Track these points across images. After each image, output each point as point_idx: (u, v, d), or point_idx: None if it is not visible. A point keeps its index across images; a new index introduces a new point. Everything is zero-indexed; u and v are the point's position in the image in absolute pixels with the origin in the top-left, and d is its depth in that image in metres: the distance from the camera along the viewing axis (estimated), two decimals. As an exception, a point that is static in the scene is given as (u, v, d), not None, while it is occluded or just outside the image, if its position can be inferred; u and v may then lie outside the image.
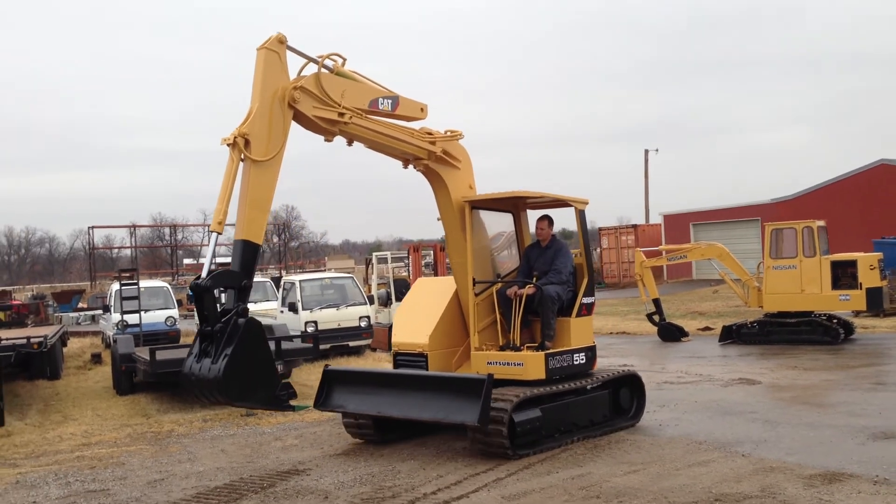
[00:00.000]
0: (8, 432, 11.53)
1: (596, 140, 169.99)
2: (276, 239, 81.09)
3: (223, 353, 6.72)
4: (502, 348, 8.98)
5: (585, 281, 9.37)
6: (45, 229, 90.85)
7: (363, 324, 17.74)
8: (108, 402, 13.90)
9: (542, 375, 8.63)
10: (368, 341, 18.09)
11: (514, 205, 9.83)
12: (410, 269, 17.81)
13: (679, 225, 41.70)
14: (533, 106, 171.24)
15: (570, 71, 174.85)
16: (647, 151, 51.97)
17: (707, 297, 30.02)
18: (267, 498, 7.28)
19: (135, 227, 72.73)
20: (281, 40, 7.66)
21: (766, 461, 7.69)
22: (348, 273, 23.34)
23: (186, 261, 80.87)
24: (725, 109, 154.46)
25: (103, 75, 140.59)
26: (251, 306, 20.28)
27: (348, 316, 17.76)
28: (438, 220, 9.34)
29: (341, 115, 8.00)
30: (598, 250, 46.10)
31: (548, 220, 9.71)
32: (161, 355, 12.83)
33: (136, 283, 16.33)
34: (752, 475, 7.24)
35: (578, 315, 9.21)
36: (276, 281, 24.22)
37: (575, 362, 9.08)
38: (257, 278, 27.80)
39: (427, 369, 9.03)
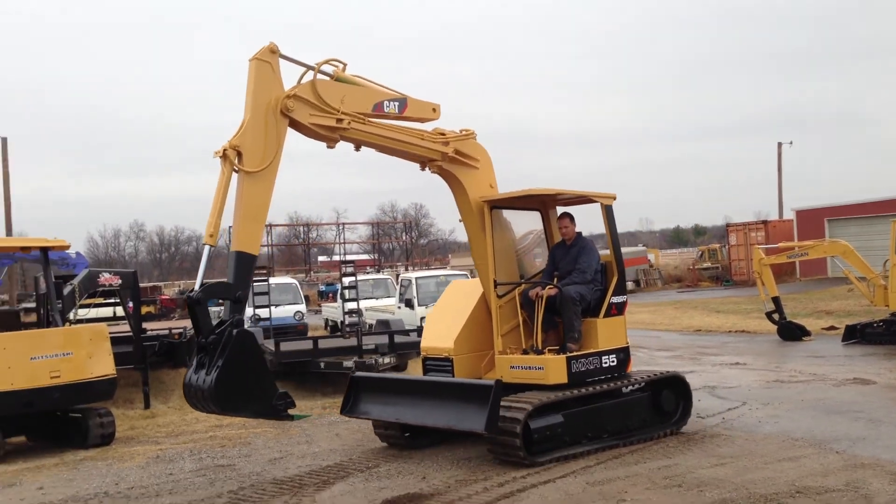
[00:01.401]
0: (152, 414, 12.84)
1: (729, 131, 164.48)
2: (404, 236, 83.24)
3: (215, 365, 6.73)
4: (525, 352, 8.75)
5: (615, 280, 9.04)
6: (192, 228, 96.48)
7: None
8: (240, 390, 15.07)
9: (563, 379, 8.34)
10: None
11: (542, 203, 9.56)
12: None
13: (813, 221, 40.05)
14: (653, 99, 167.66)
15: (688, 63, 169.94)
16: (780, 144, 50.11)
17: (840, 296, 28.82)
18: (371, 476, 7.95)
19: (271, 226, 76.18)
20: (273, 50, 7.57)
21: (859, 458, 7.70)
22: (464, 271, 23.97)
23: (321, 258, 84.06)
24: (861, 99, 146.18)
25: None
26: (372, 302, 21.26)
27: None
28: (460, 221, 9.17)
29: (339, 120, 7.89)
30: (727, 247, 44.97)
31: (568, 217, 9.36)
32: (285, 346, 13.87)
33: (267, 280, 17.49)
34: (841, 471, 7.30)
35: (608, 315, 8.89)
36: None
37: (604, 365, 8.76)
38: (379, 276, 28.91)
39: (452, 374, 8.87)
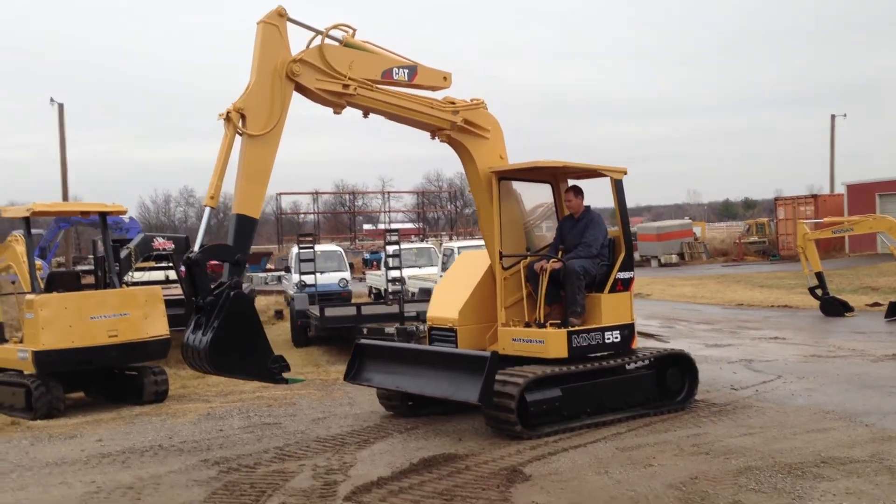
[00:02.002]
0: (203, 374, 13.34)
1: (784, 102, 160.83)
2: (449, 206, 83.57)
3: (211, 326, 6.81)
4: (527, 325, 8.70)
5: (622, 255, 8.95)
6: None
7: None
8: (286, 353, 15.31)
9: (563, 354, 8.30)
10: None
11: (552, 175, 9.44)
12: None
13: (864, 195, 39.31)
14: (705, 68, 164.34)
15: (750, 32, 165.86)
16: (833, 117, 49.19)
17: (887, 272, 28.37)
18: (409, 437, 8.30)
19: (317, 193, 77.05)
20: (280, 13, 7.51)
21: (887, 431, 7.82)
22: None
23: (366, 226, 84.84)
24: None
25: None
26: (415, 270, 21.55)
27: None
28: (469, 192, 8.99)
29: (346, 86, 7.81)
30: (774, 221, 44.39)
31: (573, 190, 9.24)
32: (330, 312, 14.31)
33: (312, 248, 17.93)
34: (868, 443, 7.44)
35: (613, 291, 8.80)
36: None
37: (606, 340, 8.68)
38: (423, 245, 29.23)
39: (456, 344, 8.86)
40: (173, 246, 13.51)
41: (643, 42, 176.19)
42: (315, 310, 15.01)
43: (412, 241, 40.08)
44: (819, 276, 18.47)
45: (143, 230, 24.07)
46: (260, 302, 23.88)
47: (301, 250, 18.06)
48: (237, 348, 6.96)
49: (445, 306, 9.21)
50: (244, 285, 7.34)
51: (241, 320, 6.97)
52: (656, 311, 21.39)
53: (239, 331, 6.96)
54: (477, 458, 7.29)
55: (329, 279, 21.18)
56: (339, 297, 20.95)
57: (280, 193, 69.30)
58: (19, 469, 7.72)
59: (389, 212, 79.33)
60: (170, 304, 12.40)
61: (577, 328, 8.49)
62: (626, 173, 9.14)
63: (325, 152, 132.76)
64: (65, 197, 36.37)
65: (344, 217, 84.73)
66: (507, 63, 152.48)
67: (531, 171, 9.06)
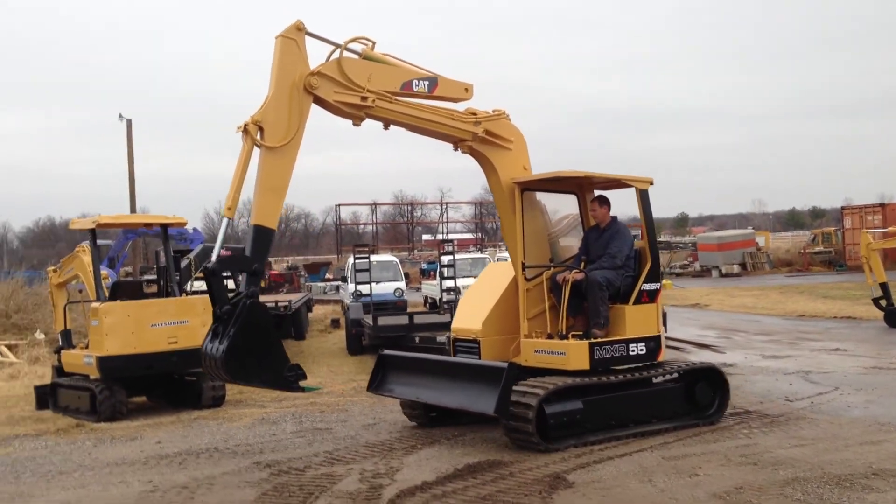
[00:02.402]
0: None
1: (850, 109, 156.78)
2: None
3: (227, 334, 6.93)
4: (550, 336, 8.60)
5: (648, 266, 8.78)
6: (301, 206, 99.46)
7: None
8: (341, 361, 15.90)
9: (585, 366, 8.19)
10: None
11: (578, 186, 9.38)
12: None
13: (936, 204, 38.07)
14: (767, 75, 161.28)
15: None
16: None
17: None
18: (455, 443, 8.41)
19: (376, 204, 77.90)
20: (299, 27, 7.60)
21: (944, 445, 7.64)
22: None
23: (425, 237, 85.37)
24: None
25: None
26: (470, 280, 21.59)
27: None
28: (342, 205, 9.11)
29: (364, 98, 7.85)
30: (841, 231, 43.28)
31: (598, 200, 9.16)
32: (383, 321, 14.53)
33: (368, 258, 18.18)
34: (922, 456, 7.29)
35: (638, 302, 8.66)
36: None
37: (631, 353, 8.53)
38: (478, 255, 29.33)
39: (479, 356, 8.80)
40: (231, 256, 13.86)
41: (703, 48, 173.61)
42: (369, 319, 15.24)
43: (469, 252, 40.23)
44: (884, 286, 18.00)
45: (206, 240, 24.75)
46: (318, 311, 24.34)
47: (357, 260, 18.33)
48: (253, 357, 7.06)
49: (469, 317, 9.16)
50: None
51: (256, 329, 7.07)
52: (714, 321, 21.09)
53: (254, 339, 7.06)
54: (521, 465, 7.36)
55: (384, 289, 21.40)
56: (395, 306, 21.15)
57: (339, 204, 70.28)
58: (81, 469, 8.06)
59: (447, 222, 79.76)
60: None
61: (599, 340, 8.38)
62: (651, 183, 9.02)
63: (384, 163, 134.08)
64: (133, 209, 37.46)
65: (403, 227, 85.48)
66: (555, 74, 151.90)
67: (555, 182, 9.00)
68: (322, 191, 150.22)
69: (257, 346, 7.09)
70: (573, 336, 8.50)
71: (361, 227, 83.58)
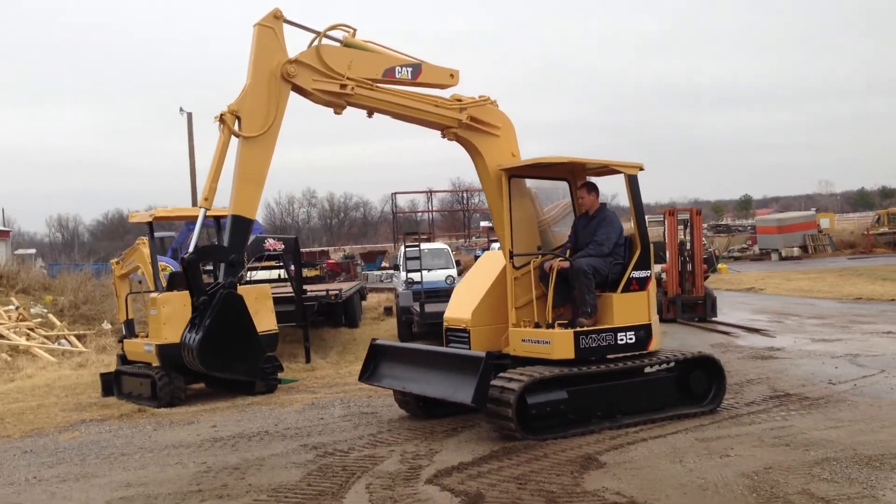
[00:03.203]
0: (312, 367, 14.20)
1: None
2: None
3: (203, 325, 6.99)
4: (537, 325, 8.50)
5: (637, 254, 8.58)
6: (360, 195, 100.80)
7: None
8: (392, 348, 16.24)
9: (570, 355, 8.06)
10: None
11: (570, 172, 9.20)
12: (665, 232, 18.26)
13: None
14: (832, 52, 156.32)
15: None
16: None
17: None
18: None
19: (432, 191, 78.25)
20: (277, 15, 7.55)
21: (983, 426, 7.62)
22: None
23: (483, 223, 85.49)
24: None
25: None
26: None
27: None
28: (398, 193, 9.08)
29: (343, 86, 7.77)
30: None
31: (587, 187, 8.99)
32: (430, 308, 14.85)
33: (418, 246, 18.52)
34: (959, 438, 7.28)
35: (627, 290, 8.48)
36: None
37: (619, 342, 8.36)
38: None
39: (469, 345, 8.75)
40: (283, 246, 14.36)
41: (766, 26, 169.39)
42: (417, 306, 15.57)
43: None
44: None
45: (265, 231, 25.46)
46: (372, 299, 24.76)
47: (408, 248, 18.69)
48: (228, 347, 7.11)
49: (460, 307, 9.09)
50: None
51: (231, 320, 7.09)
52: (767, 305, 20.89)
53: (230, 330, 7.08)
54: (555, 447, 7.58)
55: (436, 276, 21.68)
56: (446, 294, 21.44)
57: (395, 193, 70.83)
58: (142, 451, 8.55)
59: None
60: (280, 300, 13.22)
61: (585, 329, 8.25)
62: (641, 169, 8.84)
63: (441, 151, 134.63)
64: (194, 202, 38.52)
65: (459, 214, 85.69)
66: (609, 53, 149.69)
67: (545, 168, 8.89)
68: (380, 179, 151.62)
69: (233, 336, 7.13)
70: (559, 325, 8.39)
71: (419, 215, 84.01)
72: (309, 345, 14.85)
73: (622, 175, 8.79)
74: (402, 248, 22.62)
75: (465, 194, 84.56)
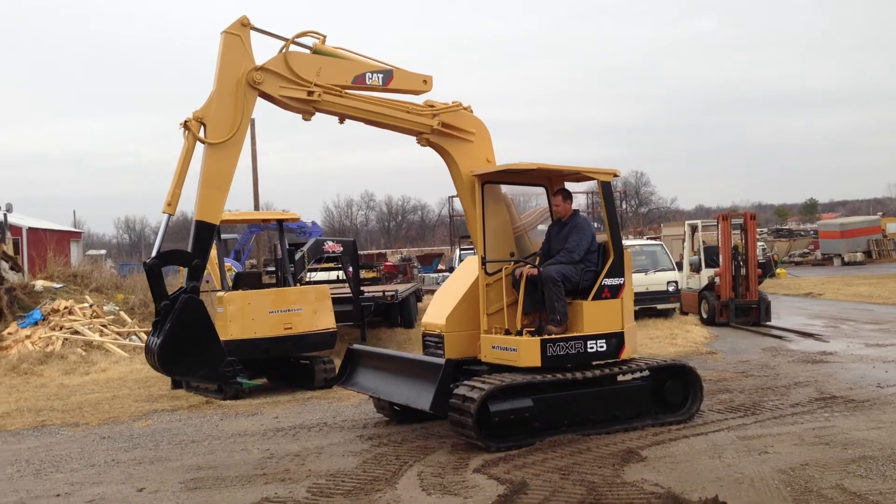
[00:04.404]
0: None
1: None
2: (624, 205, 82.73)
3: (163, 329, 7.10)
4: (507, 332, 8.42)
5: (610, 261, 8.45)
6: (418, 198, 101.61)
7: (670, 288, 18.83)
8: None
9: (536, 363, 7.98)
10: (675, 305, 19.12)
11: (547, 179, 9.09)
12: (720, 236, 18.31)
13: None
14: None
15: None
16: None
17: None
18: (542, 422, 8.99)
19: (487, 194, 78.43)
20: (244, 23, 7.57)
21: None
22: (658, 242, 24.20)
23: (540, 227, 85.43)
24: None
25: (460, 56, 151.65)
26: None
27: (656, 280, 18.95)
28: (456, 196, 8.67)
29: (311, 93, 7.81)
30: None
31: (561, 194, 8.84)
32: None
33: (473, 249, 18.93)
34: None
35: (598, 298, 8.35)
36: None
37: (589, 350, 8.25)
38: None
39: (444, 351, 8.65)
40: (341, 248, 14.92)
41: (828, 27, 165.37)
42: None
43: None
44: None
45: (324, 234, 26.13)
46: (427, 300, 25.20)
47: (462, 251, 19.13)
48: (189, 352, 7.20)
49: (436, 313, 8.97)
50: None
51: (191, 324, 7.17)
52: (824, 310, 20.76)
53: (190, 334, 7.16)
54: (599, 441, 7.90)
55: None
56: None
57: (452, 196, 71.16)
58: (210, 438, 9.12)
59: (560, 212, 79.48)
60: (339, 301, 13.76)
61: (552, 336, 8.15)
62: (616, 175, 8.84)
63: (500, 154, 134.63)
64: (256, 205, 39.50)
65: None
66: (668, 57, 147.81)
67: (520, 175, 8.83)
68: (438, 182, 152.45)
69: (193, 341, 7.21)
70: (527, 332, 8.28)
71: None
72: (365, 343, 15.35)
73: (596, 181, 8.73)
74: (458, 251, 23.05)
75: (521, 198, 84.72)
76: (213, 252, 12.89)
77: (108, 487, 7.26)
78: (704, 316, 18.49)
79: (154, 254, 7.23)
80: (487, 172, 8.56)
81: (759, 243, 36.26)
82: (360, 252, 44.38)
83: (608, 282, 8.45)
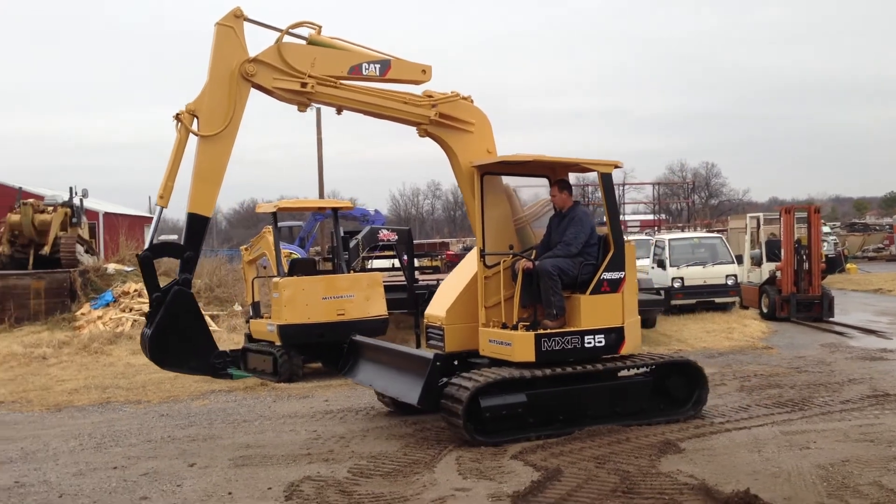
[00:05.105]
0: (421, 352, 14.89)
1: None
2: (695, 198, 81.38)
3: (154, 321, 7.23)
4: (504, 326, 8.28)
5: (611, 254, 8.25)
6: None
7: (729, 282, 18.56)
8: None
9: (530, 358, 7.84)
10: (734, 299, 18.85)
11: (551, 170, 8.86)
12: (782, 230, 17.96)
13: None
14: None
15: None
16: None
17: None
18: (585, 411, 9.05)
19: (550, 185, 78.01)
20: (237, 15, 7.53)
21: None
22: (717, 234, 23.82)
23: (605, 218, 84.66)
24: None
25: (524, 44, 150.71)
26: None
27: (715, 274, 18.71)
28: (458, 187, 8.71)
29: (304, 84, 7.75)
30: None
31: (559, 185, 8.65)
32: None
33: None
34: None
35: (597, 292, 8.16)
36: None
37: (586, 345, 8.07)
38: (641, 237, 29.31)
39: (444, 343, 8.56)
40: (396, 237, 15.16)
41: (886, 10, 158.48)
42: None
43: (646, 234, 39.97)
44: None
45: (387, 222, 26.46)
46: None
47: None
48: (179, 343, 7.31)
49: (438, 305, 8.89)
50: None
51: (181, 316, 7.27)
52: (891, 307, 20.21)
53: (180, 326, 7.27)
54: (639, 433, 7.93)
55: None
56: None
57: (516, 187, 71.08)
58: (261, 419, 9.46)
59: (624, 203, 78.67)
60: (392, 288, 14.01)
61: (547, 331, 8.00)
62: (617, 166, 8.59)
63: (568, 144, 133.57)
64: (321, 193, 40.18)
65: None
66: (738, 47, 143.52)
67: (521, 166, 8.67)
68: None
69: (183, 332, 7.31)
70: (522, 327, 8.12)
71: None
72: (419, 331, 15.55)
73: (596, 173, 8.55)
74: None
75: (588, 188, 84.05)
76: (270, 238, 13.27)
77: (162, 462, 7.62)
78: (765, 310, 18.19)
79: (146, 246, 7.39)
80: (486, 164, 8.39)
81: (830, 237, 35.43)
82: (424, 241, 44.76)
83: (608, 275, 8.27)
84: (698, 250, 19.52)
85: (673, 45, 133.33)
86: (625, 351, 8.34)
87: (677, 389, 8.60)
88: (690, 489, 6.12)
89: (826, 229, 33.22)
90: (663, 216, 77.07)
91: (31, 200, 22.93)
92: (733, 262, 19.13)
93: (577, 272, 8.26)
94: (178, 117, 7.48)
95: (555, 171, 8.90)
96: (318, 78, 7.85)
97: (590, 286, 8.22)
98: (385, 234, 14.90)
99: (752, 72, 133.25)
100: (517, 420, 7.82)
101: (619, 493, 6.13)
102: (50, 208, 22.58)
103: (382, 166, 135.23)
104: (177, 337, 7.34)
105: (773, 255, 18.94)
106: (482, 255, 8.40)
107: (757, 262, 19.63)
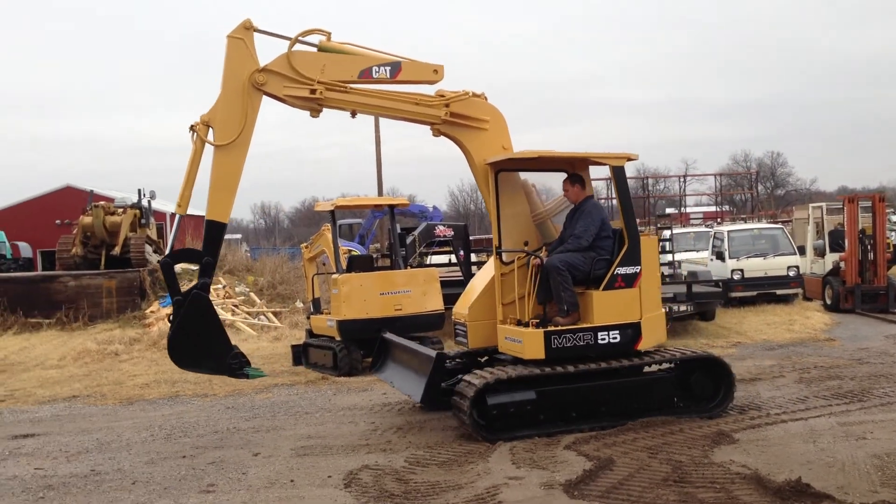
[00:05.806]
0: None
1: None
2: (759, 187, 79.65)
3: (174, 323, 7.57)
4: (519, 322, 8.19)
5: (625, 248, 8.08)
6: (542, 182, 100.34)
7: (791, 273, 18.27)
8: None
9: (540, 355, 7.75)
10: (796, 290, 18.55)
11: (570, 164, 8.69)
12: (845, 219, 17.58)
13: None
14: None
15: None
16: None
17: None
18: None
19: (611, 178, 77.26)
20: (247, 26, 7.69)
21: None
22: (778, 225, 23.39)
23: (669, 210, 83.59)
24: None
25: (562, 34, 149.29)
26: (691, 254, 21.65)
27: (776, 265, 18.44)
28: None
29: (313, 91, 7.90)
30: None
31: (570, 179, 8.52)
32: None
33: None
34: None
35: (611, 287, 8.00)
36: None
37: (600, 341, 7.92)
38: (702, 229, 28.94)
39: (467, 340, 8.65)
40: (452, 233, 15.35)
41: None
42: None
43: (708, 226, 39.40)
44: None
45: (445, 218, 26.67)
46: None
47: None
48: (196, 345, 7.65)
49: (463, 301, 8.95)
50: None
51: (198, 319, 7.58)
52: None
53: (197, 329, 7.59)
54: (692, 424, 7.96)
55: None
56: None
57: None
58: (322, 411, 9.75)
59: (685, 195, 77.54)
60: (449, 284, 14.20)
61: (557, 328, 7.89)
62: (630, 159, 8.39)
63: (627, 136, 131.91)
64: (379, 189, 40.65)
65: (641, 201, 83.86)
66: (811, 23, 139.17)
67: (536, 162, 8.50)
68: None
69: (200, 335, 7.63)
70: (533, 324, 8.02)
71: (602, 201, 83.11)
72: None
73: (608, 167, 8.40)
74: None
75: (648, 180, 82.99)
76: (329, 236, 13.59)
77: (228, 451, 7.95)
78: (828, 302, 17.87)
79: (167, 252, 7.75)
80: (499, 160, 8.32)
81: (896, 226, 34.42)
82: (482, 236, 44.84)
83: (622, 270, 8.09)
84: (758, 241, 19.26)
85: (737, 27, 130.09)
86: (643, 346, 8.19)
87: (702, 386, 8.40)
88: (742, 478, 6.17)
89: (893, 218, 32.28)
90: (727, 207, 75.66)
91: (101, 203, 23.83)
92: (795, 254, 18.83)
93: (589, 267, 8.11)
94: (192, 128, 7.74)
95: (573, 166, 8.76)
96: (327, 84, 7.98)
97: (603, 281, 8.10)
98: (441, 231, 15.10)
99: (829, 53, 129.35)
100: (525, 418, 7.80)
101: (671, 482, 6.21)
102: (120, 210, 23.41)
103: (441, 162, 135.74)
104: (193, 339, 7.67)
105: (836, 246, 18.58)
106: (498, 252, 8.39)
107: (820, 252, 19.28)
